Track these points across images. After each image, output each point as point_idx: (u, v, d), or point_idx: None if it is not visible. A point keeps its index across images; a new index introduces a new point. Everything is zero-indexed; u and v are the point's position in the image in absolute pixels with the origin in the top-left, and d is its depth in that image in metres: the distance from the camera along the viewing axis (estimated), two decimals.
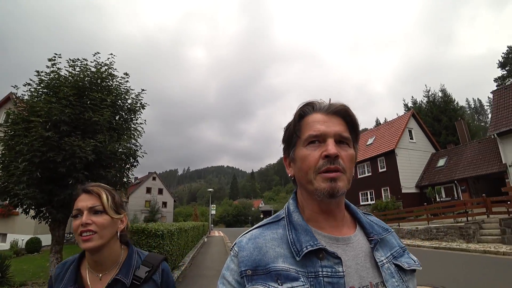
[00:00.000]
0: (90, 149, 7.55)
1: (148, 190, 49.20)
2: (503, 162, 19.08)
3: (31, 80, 8.55)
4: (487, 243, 10.90)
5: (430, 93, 46.18)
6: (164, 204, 51.89)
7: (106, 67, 9.19)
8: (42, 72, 8.52)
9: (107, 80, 9.24)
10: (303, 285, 0.63)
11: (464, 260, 8.54)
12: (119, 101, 9.40)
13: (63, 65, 9.03)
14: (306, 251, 0.67)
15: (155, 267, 1.15)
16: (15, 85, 9.13)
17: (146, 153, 10.90)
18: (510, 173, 18.57)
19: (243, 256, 0.69)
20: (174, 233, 7.84)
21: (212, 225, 37.84)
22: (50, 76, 8.52)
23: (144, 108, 10.29)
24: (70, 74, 8.70)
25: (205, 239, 22.07)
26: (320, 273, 0.65)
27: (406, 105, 53.63)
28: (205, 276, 7.86)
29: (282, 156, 0.84)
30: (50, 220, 7.98)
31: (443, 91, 44.96)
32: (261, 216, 69.80)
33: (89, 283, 1.08)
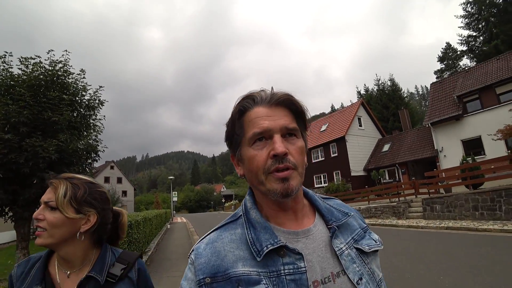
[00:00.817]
0: (53, 149, 7.84)
1: (107, 180, 47.81)
2: (435, 148, 21.82)
3: None
4: (412, 219, 12.86)
5: (380, 82, 49.50)
6: (124, 193, 50.86)
7: (61, 65, 9.29)
8: None
9: (63, 78, 9.34)
10: (266, 287, 0.61)
11: (392, 233, 10.22)
12: (77, 98, 9.58)
13: (14, 63, 9.00)
14: (267, 250, 0.64)
15: (130, 265, 1.10)
16: None
17: (107, 147, 11.25)
18: (440, 158, 21.35)
19: (201, 264, 0.66)
20: (140, 222, 8.46)
21: (174, 211, 38.15)
22: (1, 75, 8.49)
23: (103, 105, 10.54)
24: (23, 72, 8.72)
25: (168, 225, 22.59)
26: (282, 271, 0.64)
27: (359, 92, 57.04)
28: (169, 259, 8.67)
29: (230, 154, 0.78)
30: (14, 218, 8.21)
31: (391, 80, 48.46)
32: (223, 200, 70.98)
33: (58, 281, 1.02)
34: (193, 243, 11.45)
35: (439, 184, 12.87)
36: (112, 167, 50.51)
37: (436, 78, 39.92)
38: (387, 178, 25.40)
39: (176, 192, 37.90)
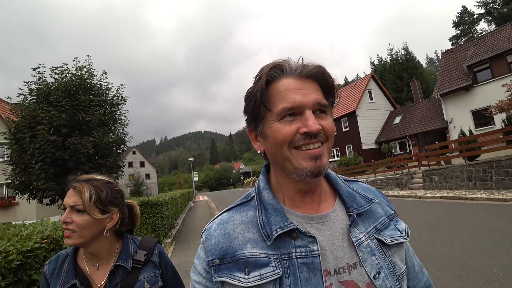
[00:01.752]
0: (90, 144, 9.26)
1: (130, 165, 50.48)
2: (445, 119, 22.09)
3: (20, 89, 9.92)
4: (414, 189, 13.74)
5: (393, 51, 48.41)
6: (148, 176, 53.63)
7: (85, 69, 10.59)
8: (30, 82, 9.87)
9: (89, 80, 10.65)
10: (273, 270, 0.60)
11: (394, 203, 11.27)
12: (102, 97, 10.92)
13: (47, 73, 10.36)
14: (276, 234, 0.62)
15: (151, 250, 1.20)
16: (8, 97, 10.51)
17: (132, 137, 12.80)
18: (450, 129, 21.68)
19: (211, 245, 0.66)
20: (168, 201, 9.97)
21: (196, 191, 40.33)
22: (39, 86, 9.84)
23: (126, 101, 11.88)
24: (56, 80, 10.06)
25: (191, 204, 24.42)
26: (294, 254, 0.61)
27: (372, 63, 56.07)
28: (194, 231, 10.28)
29: (247, 129, 0.73)
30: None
31: (405, 49, 47.29)
32: (241, 177, 73.26)
33: (89, 274, 1.11)
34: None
35: (441, 156, 13.60)
36: (134, 152, 53.11)
37: (451, 45, 38.85)
38: (398, 150, 25.99)
39: (196, 172, 39.91)
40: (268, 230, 0.64)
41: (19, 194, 10.02)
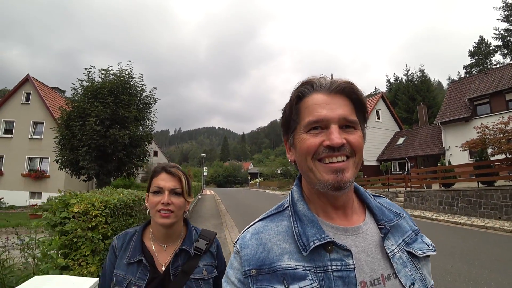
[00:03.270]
0: (126, 136, 11.46)
1: None
2: (443, 146, 23.53)
3: (72, 84, 12.27)
4: None
5: (409, 72, 49.53)
6: None
7: (127, 72, 12.85)
8: (82, 79, 12.21)
9: (128, 82, 12.92)
10: (311, 283, 0.60)
11: None
12: (138, 96, 13.19)
13: (95, 73, 12.73)
14: (314, 246, 0.63)
15: (211, 241, 1.32)
16: (64, 90, 13.00)
17: (157, 131, 15.15)
18: (447, 155, 23.07)
19: (247, 254, 0.66)
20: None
21: (204, 185, 42.56)
22: (90, 84, 12.17)
23: (156, 102, 14.12)
24: (102, 80, 12.36)
25: (199, 196, 26.57)
26: (329, 267, 0.62)
27: (388, 81, 57.16)
28: (202, 216, 12.62)
29: (282, 137, 0.77)
30: (99, 183, 12.11)
31: (421, 71, 48.38)
32: (249, 177, 75.26)
33: (155, 253, 1.22)
34: (219, 210, 14.91)
35: (423, 180, 15.27)
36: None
37: (465, 73, 39.83)
38: (397, 170, 27.47)
39: (206, 168, 42.16)
40: (304, 241, 0.64)
41: (64, 169, 12.32)
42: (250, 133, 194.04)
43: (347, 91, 0.66)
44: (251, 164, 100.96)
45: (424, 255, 0.71)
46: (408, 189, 15.15)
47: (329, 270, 0.62)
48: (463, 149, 12.99)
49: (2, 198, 19.29)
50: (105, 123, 11.26)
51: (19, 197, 20.37)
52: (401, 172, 26.81)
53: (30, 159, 21.61)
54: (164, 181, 1.21)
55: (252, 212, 13.82)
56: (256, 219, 0.75)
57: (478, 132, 12.09)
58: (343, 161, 0.63)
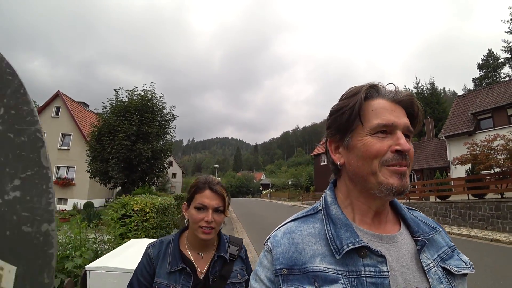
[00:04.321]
0: (149, 150, 12.99)
1: None
2: (448, 159, 24.19)
3: (103, 103, 13.97)
4: None
5: (419, 85, 50.13)
6: (174, 175, 58.04)
7: (150, 92, 14.49)
8: (111, 99, 13.89)
9: (152, 101, 14.55)
10: (344, 287, 0.59)
11: None
12: (159, 114, 14.79)
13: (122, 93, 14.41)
14: (347, 249, 0.62)
15: (241, 246, 1.39)
16: (96, 109, 14.80)
17: (176, 145, 16.75)
18: (451, 168, 23.70)
19: (278, 253, 0.65)
20: None
21: None
22: (117, 103, 13.84)
23: (175, 119, 15.70)
24: (129, 100, 14.01)
25: None
26: (363, 272, 0.61)
27: None
28: None
29: (327, 140, 0.75)
30: (124, 191, 13.62)
31: (431, 83, 48.93)
32: (260, 188, 76.26)
33: (193, 260, 1.28)
34: (231, 218, 16.03)
35: (423, 193, 16.18)
36: None
37: (474, 85, 40.25)
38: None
39: (219, 178, 43.45)
40: (338, 244, 0.63)
41: (94, 178, 13.93)
42: (263, 144, 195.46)
43: (407, 103, 0.68)
44: (263, 174, 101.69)
45: (460, 272, 0.68)
46: (408, 201, 16.05)
47: (362, 275, 0.60)
48: (455, 163, 13.89)
49: None
50: (132, 138, 12.85)
51: None
52: None
53: (58, 168, 23.55)
54: (208, 199, 1.24)
55: (261, 221, 14.93)
56: (287, 220, 0.74)
57: (467, 148, 13.03)
58: (406, 166, 0.64)
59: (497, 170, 12.08)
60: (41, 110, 24.68)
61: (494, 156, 11.66)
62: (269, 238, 0.71)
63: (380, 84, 0.70)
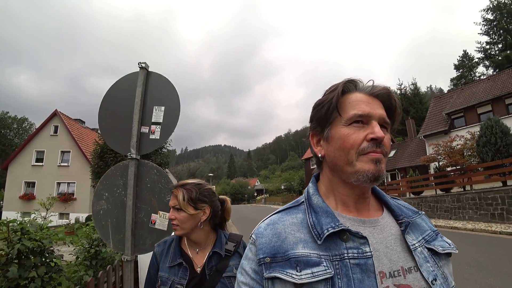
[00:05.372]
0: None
1: None
2: None
3: None
4: None
5: (402, 86, 52.18)
6: None
7: None
8: None
9: None
10: (325, 269, 0.60)
11: None
12: None
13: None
14: (327, 233, 0.64)
15: (239, 243, 1.45)
16: (84, 121, 16.07)
17: (171, 158, 17.98)
18: (431, 166, 25.34)
19: (262, 243, 0.67)
20: None
21: None
22: None
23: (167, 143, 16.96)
24: None
25: None
26: (346, 255, 0.62)
27: None
28: None
29: (309, 134, 0.79)
30: None
31: (414, 84, 51.01)
32: (255, 194, 77.38)
33: (191, 256, 1.40)
34: (227, 223, 17.24)
35: (398, 190, 17.73)
36: None
37: (452, 85, 42.34)
38: (390, 180, 29.74)
39: (214, 186, 44.65)
40: (318, 229, 0.65)
41: None
42: (256, 150, 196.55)
43: (384, 97, 0.72)
44: (258, 180, 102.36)
45: (445, 251, 0.71)
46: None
47: (346, 258, 0.62)
48: (422, 162, 15.43)
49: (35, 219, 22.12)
50: None
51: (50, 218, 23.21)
52: (392, 183, 29.09)
53: (59, 184, 24.55)
54: (171, 200, 1.42)
55: (255, 224, 16.22)
56: (271, 213, 0.75)
57: (433, 148, 14.60)
58: (381, 154, 0.66)
59: (458, 166, 13.67)
60: (40, 129, 25.71)
61: (453, 154, 13.23)
62: (254, 231, 0.72)
63: (358, 80, 0.74)
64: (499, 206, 10.53)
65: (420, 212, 0.78)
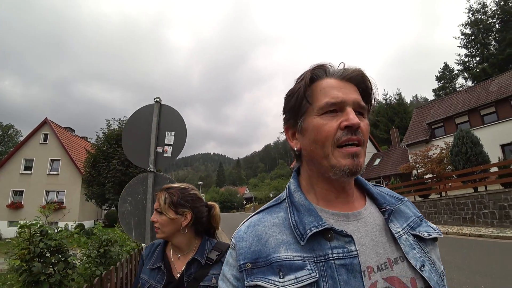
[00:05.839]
0: (141, 173, 14.71)
1: None
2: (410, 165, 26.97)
3: (96, 132, 15.65)
4: None
5: (387, 96, 53.99)
6: None
7: None
8: (103, 128, 15.60)
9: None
10: (310, 273, 0.58)
11: None
12: None
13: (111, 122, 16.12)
14: (310, 233, 0.61)
15: (223, 252, 1.39)
16: (90, 137, 16.51)
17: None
18: (413, 174, 26.45)
19: (242, 248, 0.64)
20: None
21: None
22: (107, 132, 15.55)
23: None
24: (119, 127, 15.71)
25: None
26: (330, 255, 0.60)
27: None
28: None
29: (283, 127, 0.75)
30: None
31: (398, 94, 52.85)
32: (244, 202, 77.54)
33: (172, 261, 1.39)
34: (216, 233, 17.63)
35: None
36: None
37: (434, 96, 44.15)
38: None
39: (203, 194, 45.00)
40: (301, 229, 0.63)
41: (90, 200, 15.36)
42: (245, 158, 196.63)
43: (357, 79, 0.68)
44: (247, 188, 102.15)
45: (430, 237, 0.70)
46: None
47: (330, 258, 0.60)
48: (401, 170, 16.30)
49: None
50: (125, 163, 14.50)
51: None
52: None
53: (48, 192, 24.49)
54: (155, 202, 1.41)
55: None
56: (252, 213, 0.73)
57: (411, 157, 15.50)
58: (358, 146, 0.63)
59: (434, 174, 14.58)
60: (29, 137, 25.69)
61: (429, 164, 14.15)
62: (233, 234, 0.69)
63: (328, 64, 0.70)
64: (470, 211, 11.39)
65: (403, 199, 0.77)
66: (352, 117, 0.62)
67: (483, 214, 10.89)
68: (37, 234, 3.70)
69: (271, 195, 51.28)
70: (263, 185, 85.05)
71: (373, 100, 0.71)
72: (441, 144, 14.76)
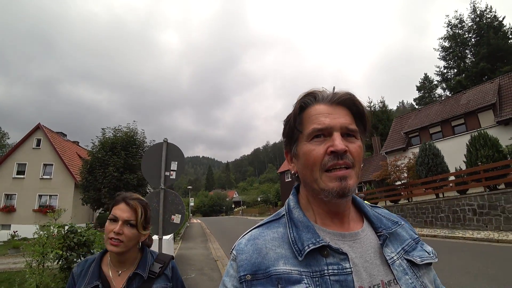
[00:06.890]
0: (135, 179, 15.78)
1: None
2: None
3: (92, 140, 16.70)
4: None
5: (371, 104, 56.08)
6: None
7: (133, 130, 17.39)
8: (99, 136, 16.66)
9: (135, 136, 17.43)
10: (306, 287, 0.60)
11: None
12: (140, 149, 17.67)
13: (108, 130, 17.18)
14: (308, 249, 0.64)
15: (166, 264, 1.38)
16: (87, 145, 17.47)
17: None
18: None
19: (242, 260, 0.66)
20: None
21: (191, 214, 46.02)
22: (103, 140, 16.62)
23: (145, 142, 18.48)
24: (114, 136, 16.81)
25: (188, 224, 30.31)
26: (326, 271, 0.62)
27: None
28: (192, 237, 16.61)
29: (284, 151, 0.79)
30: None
31: (382, 102, 54.99)
32: (233, 206, 78.32)
33: (111, 278, 1.28)
34: (205, 233, 18.89)
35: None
36: None
37: (416, 104, 46.37)
38: (357, 191, 32.36)
39: (193, 198, 45.84)
40: (299, 245, 0.65)
41: (85, 204, 16.35)
42: (234, 162, 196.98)
43: (347, 102, 0.70)
44: (236, 192, 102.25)
45: (423, 262, 0.71)
46: None
47: (326, 274, 0.62)
48: (374, 178, 17.86)
49: (16, 231, 22.64)
50: (120, 170, 15.58)
51: (30, 230, 23.69)
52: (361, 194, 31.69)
53: (40, 196, 25.15)
54: (121, 211, 1.27)
55: (231, 234, 17.86)
56: (252, 227, 0.75)
57: (382, 166, 17.07)
58: (346, 168, 0.65)
59: (403, 181, 16.17)
60: (22, 142, 26.32)
61: (398, 173, 15.72)
62: (234, 246, 0.71)
63: (316, 90, 0.73)
64: (430, 215, 12.94)
65: (400, 222, 0.79)
66: (337, 142, 0.65)
67: (440, 217, 12.45)
68: (69, 232, 4.90)
69: (259, 199, 52.44)
70: (252, 188, 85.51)
71: (367, 121, 0.74)
72: (409, 154, 16.36)
